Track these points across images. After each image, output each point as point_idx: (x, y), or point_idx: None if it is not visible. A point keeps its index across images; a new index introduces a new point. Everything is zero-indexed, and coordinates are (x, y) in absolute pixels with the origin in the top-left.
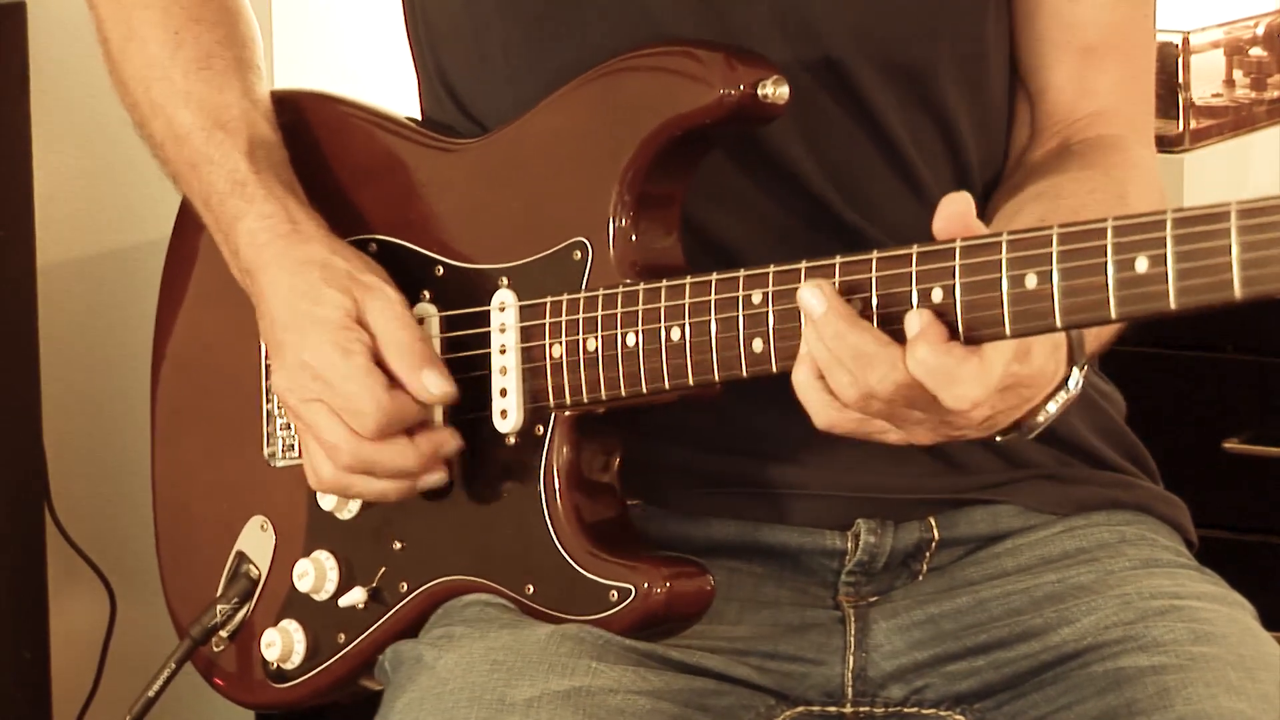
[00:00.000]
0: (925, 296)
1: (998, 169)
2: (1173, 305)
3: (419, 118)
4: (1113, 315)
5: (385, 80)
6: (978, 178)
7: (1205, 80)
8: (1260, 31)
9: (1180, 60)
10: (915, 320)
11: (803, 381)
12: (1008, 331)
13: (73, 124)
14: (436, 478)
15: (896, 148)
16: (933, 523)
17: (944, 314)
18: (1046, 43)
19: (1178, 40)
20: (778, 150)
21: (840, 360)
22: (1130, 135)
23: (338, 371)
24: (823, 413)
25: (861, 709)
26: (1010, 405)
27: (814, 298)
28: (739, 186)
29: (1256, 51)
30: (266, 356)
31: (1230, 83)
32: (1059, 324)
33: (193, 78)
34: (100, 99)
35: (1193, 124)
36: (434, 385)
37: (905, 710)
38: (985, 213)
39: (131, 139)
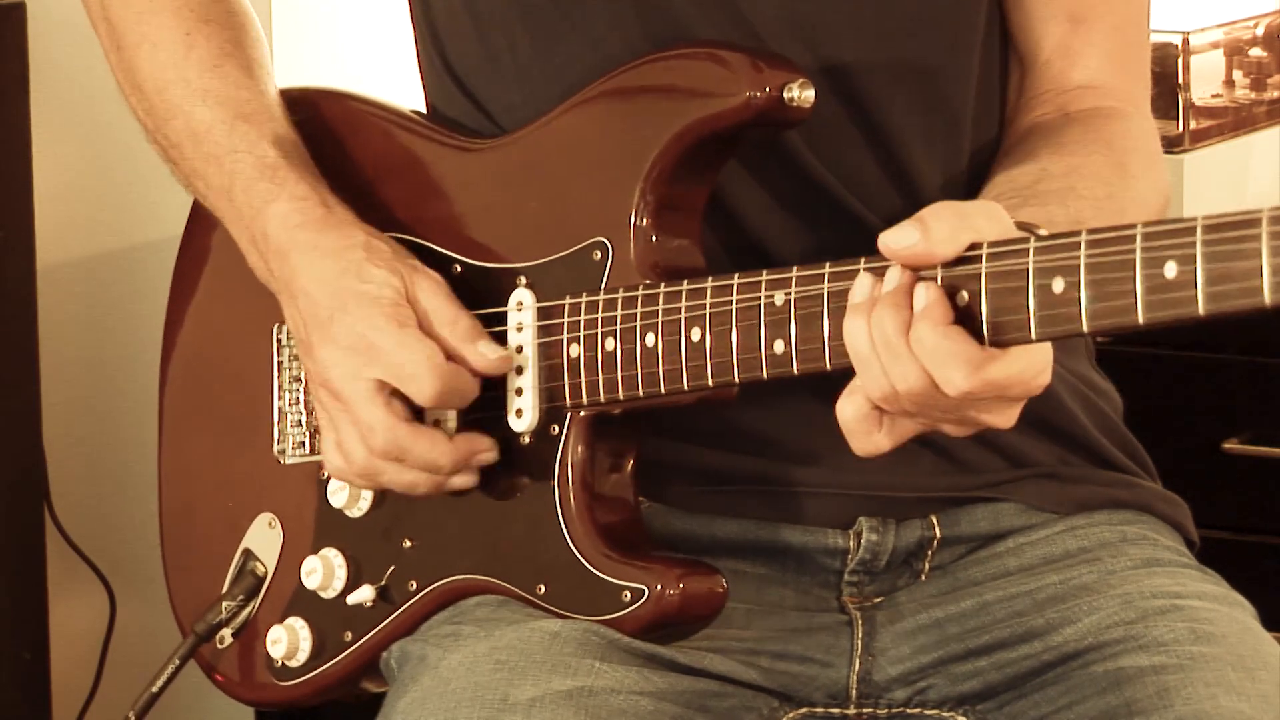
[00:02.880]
0: (951, 298)
1: (994, 154)
2: (1201, 311)
3: (423, 110)
4: (1140, 321)
5: (386, 78)
6: (977, 168)
7: (1205, 81)
8: (1260, 32)
9: (1180, 61)
10: (922, 294)
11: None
12: (1033, 335)
13: (72, 124)
14: (466, 479)
15: (896, 146)
16: (934, 521)
17: (969, 316)
18: (1034, 17)
19: (1177, 41)
20: (781, 144)
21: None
22: (1128, 108)
23: (393, 340)
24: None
25: (865, 710)
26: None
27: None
28: (746, 177)
29: (1256, 52)
30: (280, 352)
31: (1230, 83)
32: (1085, 328)
33: (208, 76)
34: (100, 99)
35: (1192, 124)
36: (492, 352)
37: (908, 711)
38: (978, 187)
39: (131, 139)
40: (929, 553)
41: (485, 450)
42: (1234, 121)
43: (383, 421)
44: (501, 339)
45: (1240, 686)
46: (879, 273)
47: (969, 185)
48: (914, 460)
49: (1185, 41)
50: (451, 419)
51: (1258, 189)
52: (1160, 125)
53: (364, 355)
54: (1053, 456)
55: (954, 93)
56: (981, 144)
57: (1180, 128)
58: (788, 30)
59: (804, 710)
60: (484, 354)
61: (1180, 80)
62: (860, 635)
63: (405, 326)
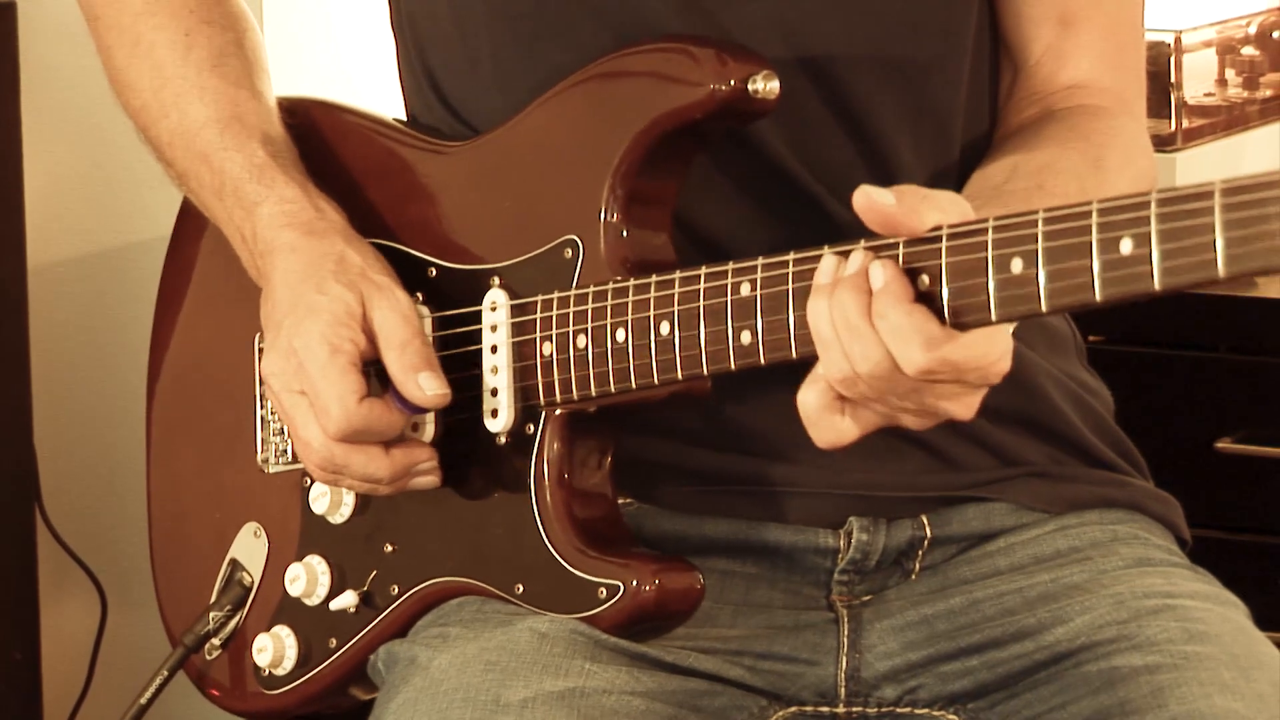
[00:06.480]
0: (913, 280)
1: (983, 154)
2: (1157, 286)
3: (404, 118)
4: (1098, 298)
5: (376, 81)
6: (967, 172)
7: (1198, 79)
8: (1253, 31)
9: (1173, 59)
10: (879, 271)
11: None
12: (993, 317)
13: (63, 125)
14: (426, 479)
15: (884, 149)
16: (925, 520)
17: (930, 298)
18: (1025, 19)
19: (1170, 39)
20: (765, 147)
21: (842, 333)
22: (1115, 106)
23: (318, 365)
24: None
25: (855, 709)
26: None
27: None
28: (728, 181)
29: (1249, 51)
30: (261, 351)
31: (1223, 82)
32: (1044, 308)
33: (207, 74)
34: (91, 100)
35: (1185, 123)
36: (429, 386)
37: (898, 710)
38: (965, 184)
39: (122, 140)
40: (920, 552)
41: (424, 461)
42: (1227, 120)
43: (317, 438)
44: (476, 339)
45: (1235, 686)
46: (844, 255)
47: (958, 189)
48: (904, 459)
49: (1178, 40)
50: (429, 422)
51: None
52: (1153, 124)
53: (294, 371)
54: (1044, 455)
55: (944, 96)
56: (972, 147)
57: (1173, 126)
58: (775, 38)
59: (794, 709)
60: (420, 387)
61: (1173, 79)
62: (846, 632)
63: (337, 353)
